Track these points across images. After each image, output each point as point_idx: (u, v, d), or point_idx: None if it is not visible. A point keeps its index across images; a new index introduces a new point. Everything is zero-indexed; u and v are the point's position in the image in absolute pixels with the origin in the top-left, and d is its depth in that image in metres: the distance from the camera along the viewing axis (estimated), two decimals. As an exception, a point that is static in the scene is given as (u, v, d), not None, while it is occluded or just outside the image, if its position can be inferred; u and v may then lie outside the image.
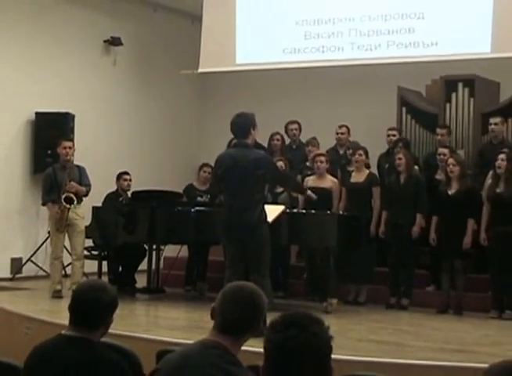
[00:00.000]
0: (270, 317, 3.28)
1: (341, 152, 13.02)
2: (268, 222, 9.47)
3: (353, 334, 9.35)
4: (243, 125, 9.21)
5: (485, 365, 7.15)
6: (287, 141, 13.45)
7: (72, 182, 11.65)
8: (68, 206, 11.52)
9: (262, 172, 9.27)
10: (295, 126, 13.48)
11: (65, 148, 11.83)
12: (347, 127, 13.14)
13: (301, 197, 12.12)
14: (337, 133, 13.10)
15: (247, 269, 9.27)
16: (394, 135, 12.77)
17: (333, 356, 7.14)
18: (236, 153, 9.31)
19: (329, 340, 3.09)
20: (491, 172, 11.40)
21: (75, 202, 11.59)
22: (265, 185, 9.87)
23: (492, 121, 12.26)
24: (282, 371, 3.01)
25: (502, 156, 11.02)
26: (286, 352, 3.00)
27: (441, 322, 10.71)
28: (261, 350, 3.17)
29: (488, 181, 11.28)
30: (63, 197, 11.52)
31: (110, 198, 12.70)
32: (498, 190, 11.03)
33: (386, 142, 12.84)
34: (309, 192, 10.93)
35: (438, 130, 12.54)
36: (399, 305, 11.62)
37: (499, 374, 2.64)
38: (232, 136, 10.39)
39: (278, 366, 3.02)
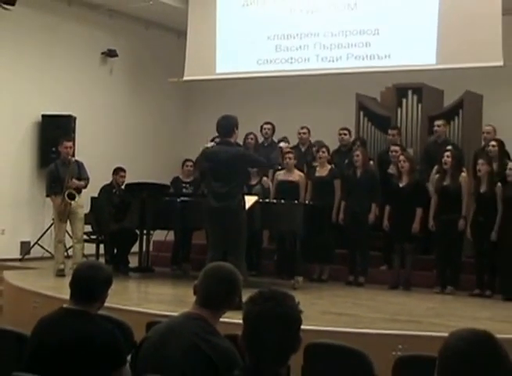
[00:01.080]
0: (245, 293, 3.27)
1: (303, 149, 13.02)
2: (245, 210, 9.53)
3: (317, 307, 9.32)
4: (227, 126, 9.35)
5: (430, 333, 7.22)
6: (260, 139, 13.44)
7: (73, 180, 11.65)
8: (71, 201, 11.52)
9: (242, 165, 9.44)
10: (269, 126, 13.46)
11: (66, 147, 11.85)
12: (307, 128, 13.14)
13: (272, 189, 12.13)
14: (299, 133, 13.11)
15: (226, 251, 9.28)
16: (345, 134, 12.82)
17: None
18: (220, 149, 9.41)
19: (299, 313, 3.09)
20: (435, 167, 11.45)
21: (77, 198, 11.60)
22: (245, 176, 9.97)
23: (436, 123, 12.30)
24: (259, 339, 3.01)
25: (447, 153, 11.04)
26: (264, 322, 3.01)
27: (393, 296, 10.73)
28: (237, 321, 3.17)
29: (436, 176, 11.30)
30: (66, 193, 11.50)
31: (105, 190, 12.64)
32: (444, 183, 11.05)
33: (338, 140, 12.88)
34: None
35: (390, 131, 12.57)
36: (357, 282, 11.63)
37: (458, 342, 2.65)
38: (213, 135, 10.44)
39: (256, 334, 3.02)
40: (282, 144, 11.56)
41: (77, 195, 11.59)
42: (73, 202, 11.51)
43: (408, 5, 12.54)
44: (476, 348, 2.60)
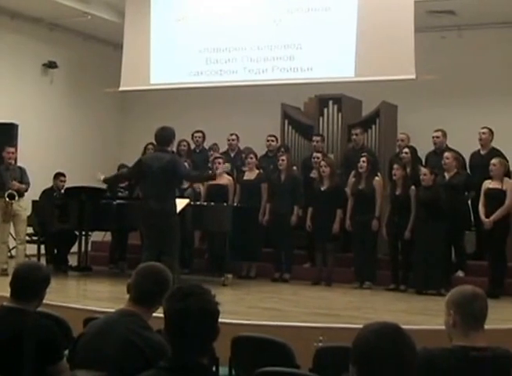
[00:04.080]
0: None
1: (232, 155, 13.04)
2: (177, 212, 9.56)
3: (245, 303, 9.36)
4: (165, 137, 9.55)
5: (349, 325, 7.27)
6: (192, 146, 13.44)
7: (14, 182, 11.58)
8: (10, 201, 11.43)
9: (175, 171, 9.49)
10: (199, 134, 13.49)
11: (8, 153, 11.84)
12: (236, 135, 13.17)
13: (203, 191, 12.13)
14: (229, 140, 13.14)
15: (161, 251, 9.27)
16: (272, 141, 12.90)
17: (228, 321, 7.16)
18: (156, 156, 9.61)
19: (216, 305, 3.11)
20: (353, 172, 11.58)
21: (16, 198, 11.50)
22: (177, 181, 10.05)
23: (353, 131, 12.43)
24: (181, 332, 3.02)
25: (363, 158, 11.18)
26: (184, 316, 3.01)
27: (315, 292, 10.80)
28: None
29: (352, 179, 11.43)
30: (7, 193, 11.43)
31: (46, 193, 12.53)
32: (360, 187, 11.18)
33: (266, 146, 12.94)
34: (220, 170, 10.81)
35: (314, 138, 12.63)
36: (282, 278, 11.68)
37: (370, 333, 2.69)
38: (147, 141, 10.47)
39: (178, 327, 3.03)
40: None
41: (16, 195, 11.49)
42: (15, 205, 11.43)
43: (328, 22, 12.62)
44: (385, 339, 2.65)
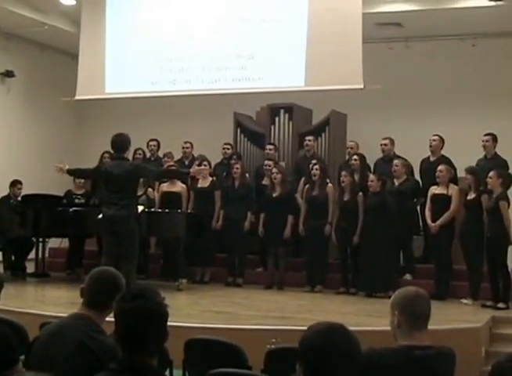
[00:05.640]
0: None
1: (186, 162, 13.01)
2: (137, 218, 9.57)
3: (199, 307, 9.36)
4: (121, 143, 9.56)
5: (301, 327, 7.30)
6: (148, 155, 13.40)
7: None
8: None
9: (139, 175, 9.75)
10: (154, 143, 13.48)
11: None
12: (190, 143, 13.18)
13: (157, 198, 12.10)
14: (183, 148, 13.13)
15: (118, 257, 9.24)
16: (228, 149, 12.94)
17: (182, 324, 7.15)
18: (115, 164, 9.62)
19: (166, 308, 3.10)
20: (303, 178, 11.66)
21: None
22: (136, 187, 9.97)
23: (307, 138, 12.49)
24: (131, 333, 3.01)
25: (316, 166, 11.26)
26: (134, 318, 3.00)
27: (268, 295, 10.84)
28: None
29: (306, 186, 11.45)
30: None
31: (3, 201, 12.43)
32: (313, 193, 11.24)
33: (221, 153, 12.95)
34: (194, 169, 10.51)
35: (268, 146, 12.67)
36: (235, 283, 11.70)
37: (314, 333, 2.72)
38: (103, 150, 10.43)
39: (128, 329, 3.01)
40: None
41: None
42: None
43: (279, 32, 12.65)
44: (329, 339, 2.67)
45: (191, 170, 10.27)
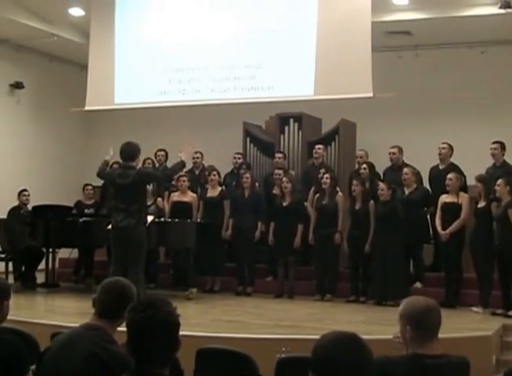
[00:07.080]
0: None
1: (197, 172, 13.04)
2: (145, 227, 9.57)
3: (209, 316, 9.35)
4: (129, 152, 9.51)
5: (311, 336, 7.28)
6: (156, 164, 13.42)
7: None
8: None
9: (145, 182, 9.74)
10: (162, 153, 13.46)
11: None
12: (201, 153, 13.18)
13: (167, 209, 12.12)
14: (193, 158, 13.11)
15: (127, 266, 9.24)
16: (239, 158, 12.95)
17: (192, 333, 7.14)
18: (121, 172, 9.58)
19: (177, 317, 3.11)
20: (313, 188, 11.66)
21: None
22: (144, 194, 9.86)
23: (317, 146, 12.49)
24: (142, 344, 3.02)
25: (326, 175, 11.28)
26: (146, 328, 3.01)
27: (278, 304, 10.83)
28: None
29: (316, 195, 11.44)
30: None
31: (14, 211, 12.44)
32: (323, 202, 11.25)
33: (232, 163, 12.97)
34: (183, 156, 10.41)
35: (277, 155, 12.68)
36: (245, 292, 11.70)
37: (328, 342, 2.72)
38: (112, 162, 10.43)
39: (139, 339, 3.02)
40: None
41: None
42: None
43: (288, 42, 12.67)
44: (342, 348, 2.67)
45: (182, 157, 10.24)
